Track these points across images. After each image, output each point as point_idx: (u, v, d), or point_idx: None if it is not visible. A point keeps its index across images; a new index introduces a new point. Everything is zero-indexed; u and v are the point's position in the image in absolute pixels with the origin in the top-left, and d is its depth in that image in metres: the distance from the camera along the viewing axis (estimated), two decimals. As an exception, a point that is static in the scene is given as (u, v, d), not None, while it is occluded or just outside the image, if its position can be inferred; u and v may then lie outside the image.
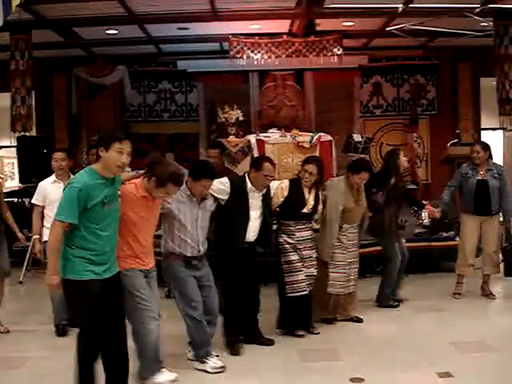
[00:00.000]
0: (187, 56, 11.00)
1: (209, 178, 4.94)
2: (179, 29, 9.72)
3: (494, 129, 12.64)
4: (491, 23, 9.08)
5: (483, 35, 9.70)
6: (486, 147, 7.01)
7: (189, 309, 4.88)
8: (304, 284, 5.69)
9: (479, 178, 6.93)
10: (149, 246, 4.53)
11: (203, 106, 10.97)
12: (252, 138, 8.49)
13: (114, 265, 4.13)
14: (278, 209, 5.81)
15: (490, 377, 4.74)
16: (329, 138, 8.63)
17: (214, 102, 10.04)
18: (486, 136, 12.49)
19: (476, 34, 9.99)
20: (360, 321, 6.25)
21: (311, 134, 8.62)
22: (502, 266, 7.29)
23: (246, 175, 5.49)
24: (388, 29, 9.75)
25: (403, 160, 6.84)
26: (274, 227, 5.94)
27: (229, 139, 8.51)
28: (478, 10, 8.65)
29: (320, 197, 5.90)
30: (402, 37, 10.07)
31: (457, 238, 8.23)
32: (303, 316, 5.83)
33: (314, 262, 5.83)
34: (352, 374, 4.76)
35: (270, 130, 8.87)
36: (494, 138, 13.78)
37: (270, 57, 9.52)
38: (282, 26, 9.57)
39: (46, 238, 5.49)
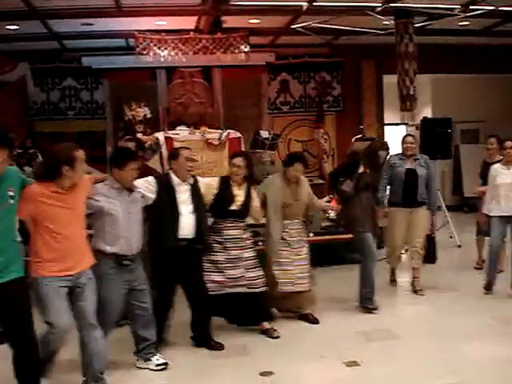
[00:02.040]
0: (92, 52, 10.76)
1: (134, 160, 4.82)
2: (83, 24, 9.47)
3: (397, 124, 13.11)
4: (392, 22, 9.37)
5: (385, 33, 10.00)
6: (415, 139, 7.16)
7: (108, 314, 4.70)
8: (222, 285, 5.51)
9: (407, 166, 6.99)
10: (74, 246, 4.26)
11: (109, 103, 10.77)
12: (160, 135, 8.40)
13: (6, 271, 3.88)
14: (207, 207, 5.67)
15: (395, 363, 4.89)
16: (238, 134, 8.67)
17: (121, 99, 9.86)
18: (389, 131, 12.94)
19: (378, 32, 10.29)
20: (315, 321, 6.05)
21: (220, 130, 8.64)
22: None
23: (169, 171, 5.38)
24: (293, 26, 9.90)
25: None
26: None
27: (136, 137, 8.37)
28: (379, 9, 8.93)
29: (253, 193, 5.78)
30: (307, 35, 10.25)
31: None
32: (221, 314, 5.71)
33: (246, 263, 5.60)
34: (261, 368, 4.81)
35: (179, 128, 8.82)
36: (397, 133, 14.31)
37: (176, 53, 9.45)
38: (188, 22, 9.52)
39: None
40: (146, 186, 5.14)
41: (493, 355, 4.98)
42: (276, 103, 11.81)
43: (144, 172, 5.50)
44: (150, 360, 4.95)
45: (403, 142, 7.14)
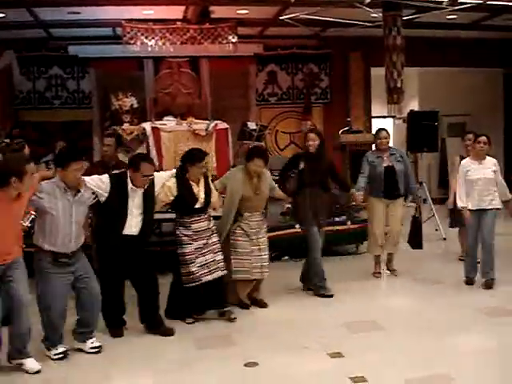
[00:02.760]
0: (79, 41, 10.65)
1: (78, 159, 4.86)
2: (70, 13, 9.40)
3: (384, 117, 13.11)
4: (380, 14, 9.36)
5: (373, 26, 10.00)
6: (388, 133, 7.31)
7: (47, 309, 4.86)
8: (198, 274, 5.67)
9: (385, 164, 7.15)
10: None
11: (96, 92, 10.69)
12: (147, 125, 8.35)
13: None
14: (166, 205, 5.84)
15: (379, 354, 4.93)
16: (225, 125, 8.63)
17: (108, 88, 9.78)
18: (376, 124, 12.95)
19: (366, 24, 10.29)
20: (264, 306, 6.29)
21: (207, 121, 8.58)
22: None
23: (128, 173, 5.38)
24: (282, 18, 9.87)
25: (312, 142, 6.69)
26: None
27: (123, 127, 8.33)
28: (368, 1, 8.92)
29: (211, 188, 5.89)
30: (295, 26, 10.24)
31: (348, 223, 8.55)
32: (196, 304, 5.84)
33: (212, 247, 5.79)
34: (246, 359, 4.83)
35: (166, 118, 8.76)
36: (384, 126, 14.30)
37: (164, 43, 9.37)
38: (175, 12, 9.47)
39: None
40: (99, 185, 5.18)
41: (477, 346, 5.06)
42: (264, 94, 11.79)
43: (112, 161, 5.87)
44: (85, 342, 5.08)
45: (377, 136, 7.30)
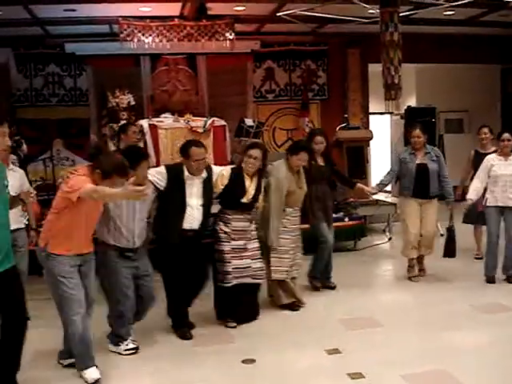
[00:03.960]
0: (76, 38, 10.62)
1: (147, 158, 5.01)
2: (66, 10, 9.36)
3: (381, 113, 13.11)
4: (378, 10, 9.34)
5: (371, 22, 9.96)
6: (425, 131, 7.07)
7: (115, 302, 4.90)
8: (231, 276, 5.55)
9: (418, 162, 6.98)
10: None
11: (93, 90, 10.62)
12: (144, 122, 8.35)
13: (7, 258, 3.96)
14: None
15: (376, 351, 4.95)
16: (222, 122, 8.64)
17: (105, 86, 9.75)
18: (374, 120, 12.96)
19: (364, 20, 10.27)
20: (297, 309, 6.16)
21: (204, 118, 8.59)
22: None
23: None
24: (279, 14, 9.83)
25: (320, 145, 6.71)
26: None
27: (120, 124, 8.33)
28: (365, -4, 8.90)
29: (262, 185, 5.78)
30: (293, 22, 10.21)
31: (345, 219, 8.58)
32: (233, 307, 5.70)
33: (251, 253, 5.69)
34: (244, 356, 4.85)
35: (163, 115, 8.76)
36: (381, 122, 14.35)
37: (161, 40, 9.35)
38: (173, 9, 9.43)
39: None
40: (157, 176, 5.22)
41: (473, 342, 5.09)
42: (261, 91, 11.77)
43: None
44: (119, 346, 5.03)
45: (411, 135, 7.09)
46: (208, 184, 5.43)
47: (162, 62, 9.68)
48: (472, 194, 6.81)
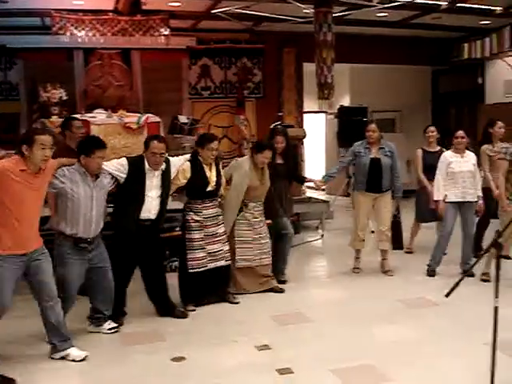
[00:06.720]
0: (6, 31, 10.32)
1: (102, 148, 5.03)
2: (-4, 2, 9.11)
3: (316, 112, 13.29)
4: (312, 10, 9.45)
5: (305, 21, 10.10)
6: (378, 126, 7.18)
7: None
8: (205, 261, 5.93)
9: (372, 156, 7.08)
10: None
11: (24, 84, 10.33)
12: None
13: None
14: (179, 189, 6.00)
15: (307, 346, 5.01)
16: (157, 119, 8.52)
17: (36, 80, 9.52)
18: (308, 119, 13.11)
19: (299, 20, 10.38)
20: (281, 291, 6.57)
21: (138, 114, 8.48)
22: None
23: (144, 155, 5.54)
24: (214, 11, 9.85)
25: (280, 144, 6.92)
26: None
27: (51, 119, 8.16)
28: (299, -4, 8.99)
29: (221, 170, 6.14)
30: (228, 20, 10.23)
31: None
32: (203, 291, 6.08)
33: (221, 238, 6.06)
34: (173, 354, 4.83)
35: (96, 111, 8.58)
36: (316, 121, 14.53)
37: (94, 34, 9.23)
38: (106, 3, 9.30)
39: None
40: (118, 168, 5.36)
41: (402, 337, 5.19)
42: (197, 88, 11.72)
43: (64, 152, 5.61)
44: (102, 325, 5.34)
45: (366, 129, 7.20)
46: (166, 175, 5.64)
47: (95, 56, 9.50)
48: (439, 194, 6.95)
